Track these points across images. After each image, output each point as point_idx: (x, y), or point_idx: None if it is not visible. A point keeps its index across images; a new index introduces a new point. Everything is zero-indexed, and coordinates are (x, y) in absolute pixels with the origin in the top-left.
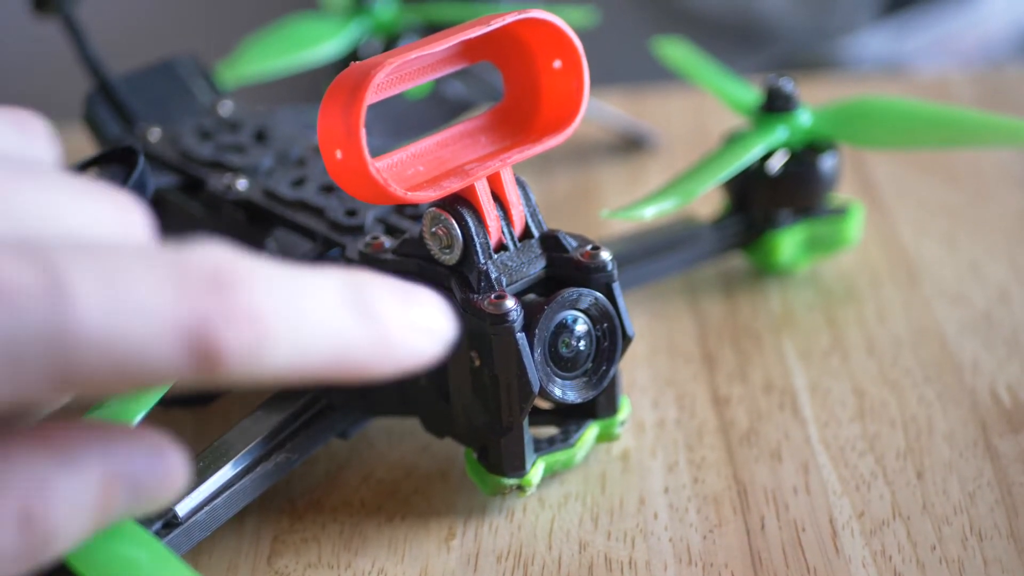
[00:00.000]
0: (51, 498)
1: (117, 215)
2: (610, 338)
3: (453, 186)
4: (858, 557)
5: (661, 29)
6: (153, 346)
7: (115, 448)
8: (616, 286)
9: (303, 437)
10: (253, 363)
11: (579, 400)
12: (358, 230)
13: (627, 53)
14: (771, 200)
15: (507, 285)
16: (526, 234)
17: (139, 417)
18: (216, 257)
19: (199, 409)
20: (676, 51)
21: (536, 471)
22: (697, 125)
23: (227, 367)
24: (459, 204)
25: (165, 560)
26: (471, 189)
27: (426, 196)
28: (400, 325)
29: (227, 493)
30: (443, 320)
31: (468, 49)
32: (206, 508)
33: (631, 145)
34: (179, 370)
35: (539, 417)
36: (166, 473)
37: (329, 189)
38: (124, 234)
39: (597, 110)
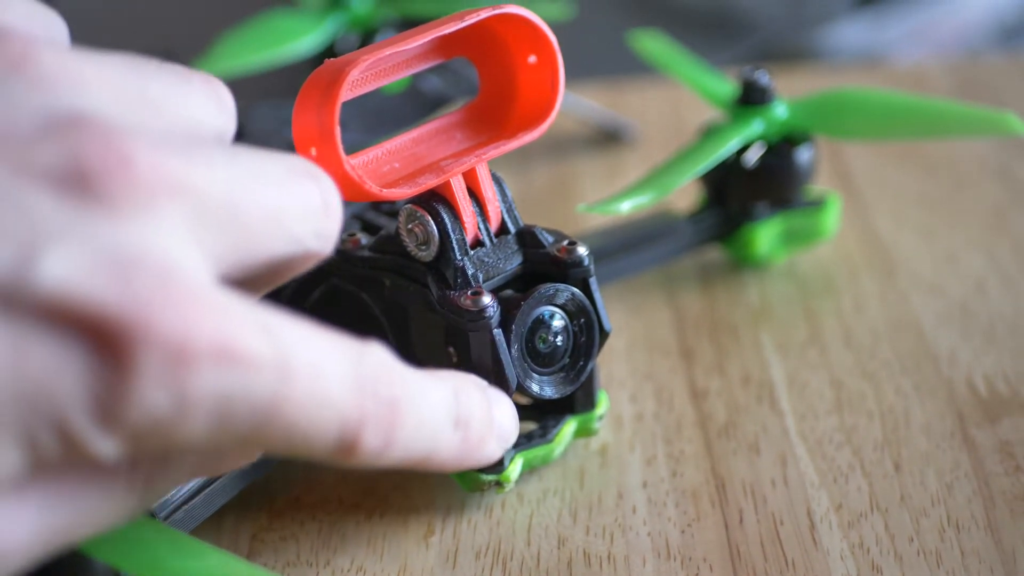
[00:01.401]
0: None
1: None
2: (587, 333)
3: (429, 183)
4: (836, 549)
5: (638, 22)
6: (323, 434)
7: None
8: (593, 281)
9: None
10: (370, 461)
11: (557, 396)
12: None
13: (604, 46)
14: (748, 193)
15: (484, 281)
16: (502, 230)
17: None
18: (387, 365)
19: None
20: (652, 44)
21: (514, 467)
22: (674, 118)
23: (351, 460)
24: (435, 200)
25: (176, 536)
26: (447, 185)
27: (402, 193)
28: (483, 436)
29: (205, 492)
30: (514, 429)
31: (443, 45)
32: (184, 507)
33: (608, 138)
34: (321, 452)
35: (517, 413)
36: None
37: None
38: None
39: (574, 103)
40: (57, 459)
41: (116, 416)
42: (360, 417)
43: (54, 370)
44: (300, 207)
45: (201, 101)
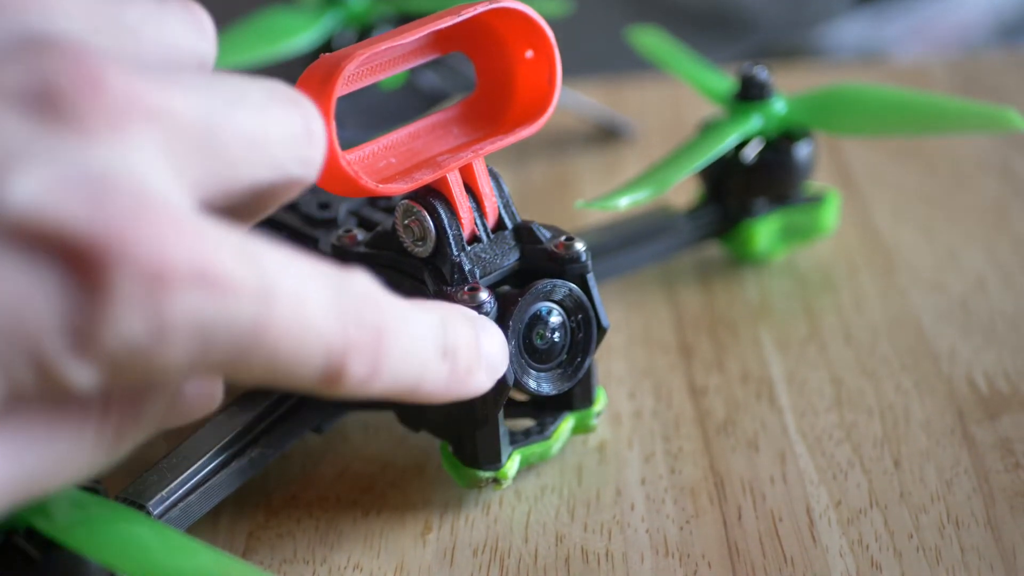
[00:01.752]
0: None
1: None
2: (585, 329)
3: (425, 178)
4: (835, 546)
5: (637, 18)
6: (306, 361)
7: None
8: (590, 277)
9: (278, 432)
10: (356, 390)
11: (554, 392)
12: (331, 223)
13: (602, 42)
14: (746, 189)
15: (481, 277)
16: (499, 225)
17: None
18: (370, 292)
19: None
20: (651, 40)
21: (512, 464)
22: (673, 114)
23: (338, 390)
24: (431, 196)
25: (168, 534)
26: (443, 181)
27: (398, 188)
28: (471, 366)
29: (201, 489)
30: (503, 360)
31: (439, 40)
32: (180, 504)
33: (607, 135)
34: (306, 381)
35: (514, 409)
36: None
37: None
38: None
39: (573, 100)
40: (31, 391)
41: (92, 342)
42: (345, 344)
43: (27, 295)
44: (281, 133)
45: (180, 27)
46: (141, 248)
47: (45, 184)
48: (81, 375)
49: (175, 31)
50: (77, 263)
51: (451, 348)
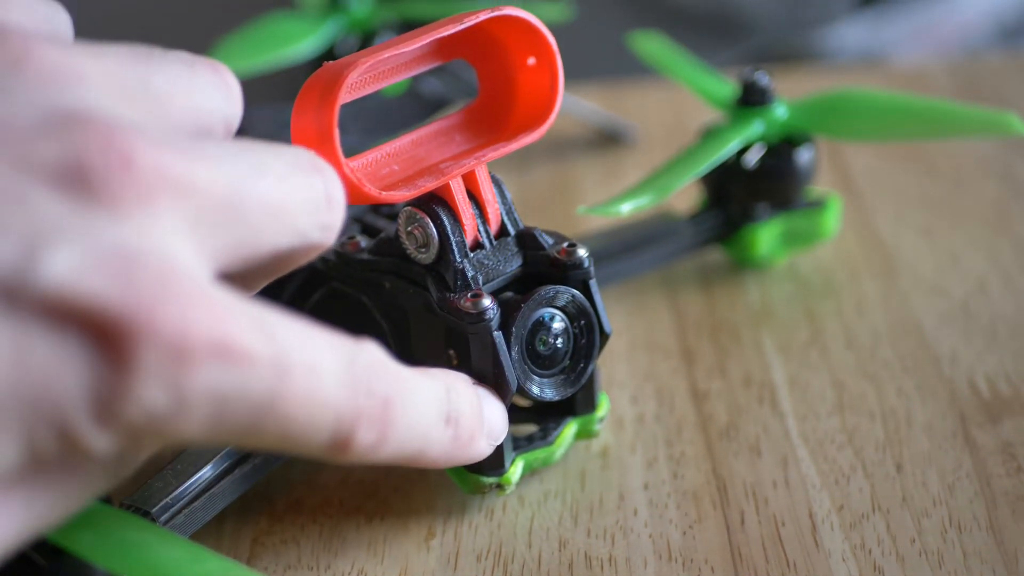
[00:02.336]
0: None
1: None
2: (587, 335)
3: (428, 185)
4: (838, 551)
5: (638, 23)
6: (317, 430)
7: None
8: (593, 283)
9: None
10: (363, 457)
11: (557, 398)
12: None
13: (604, 48)
14: (748, 194)
15: (484, 283)
16: (502, 232)
17: None
18: (380, 362)
19: None
20: (652, 45)
21: (515, 469)
22: (675, 120)
23: (346, 457)
24: (434, 203)
25: (173, 540)
26: (446, 188)
27: (401, 195)
28: (473, 433)
29: (205, 495)
30: (503, 427)
31: (442, 47)
32: (184, 511)
33: (608, 140)
34: (316, 448)
35: (518, 415)
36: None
37: None
38: None
39: (574, 105)
40: (52, 456)
41: (115, 414)
42: (354, 414)
43: (55, 368)
44: (303, 201)
45: (207, 90)
46: (167, 323)
47: (78, 261)
48: (101, 442)
49: (203, 95)
50: (104, 337)
51: (455, 416)
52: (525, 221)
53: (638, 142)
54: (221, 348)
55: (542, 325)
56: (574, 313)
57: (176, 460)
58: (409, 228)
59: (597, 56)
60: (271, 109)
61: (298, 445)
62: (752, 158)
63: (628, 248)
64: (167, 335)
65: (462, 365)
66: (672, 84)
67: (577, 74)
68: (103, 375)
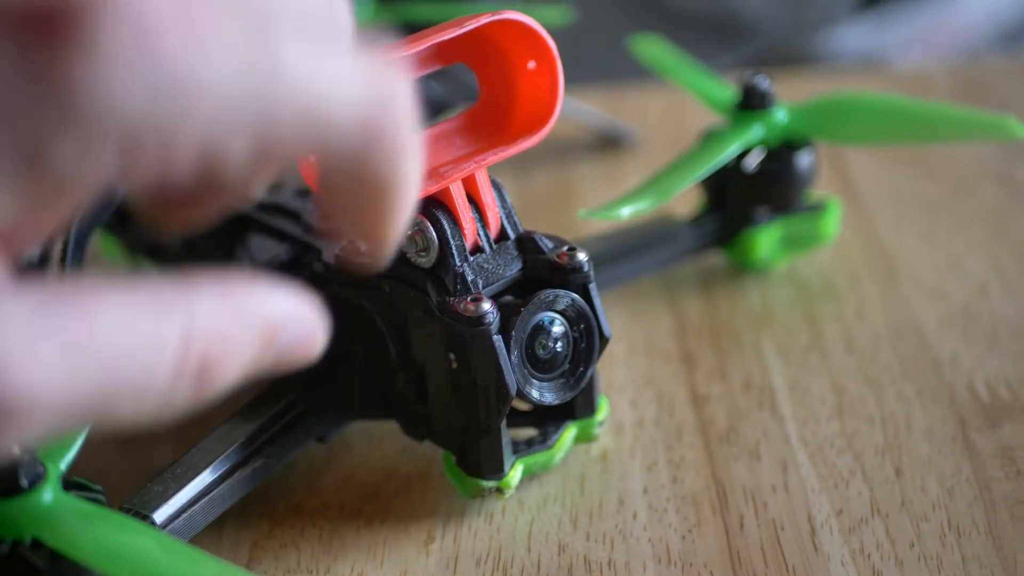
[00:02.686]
0: (228, 351)
1: None
2: (587, 339)
3: (428, 189)
4: (837, 555)
5: (639, 26)
6: (342, 117)
7: (273, 301)
8: (593, 287)
9: (281, 442)
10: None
11: (557, 401)
12: None
13: (605, 51)
14: (748, 198)
15: (483, 287)
16: (502, 236)
17: None
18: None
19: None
20: (652, 49)
21: (515, 473)
22: (675, 123)
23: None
24: (434, 207)
25: (172, 544)
26: (446, 192)
27: None
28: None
29: (205, 499)
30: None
31: (442, 51)
32: (184, 515)
33: (609, 144)
34: (351, 144)
35: (517, 419)
36: (310, 334)
37: (306, 192)
38: None
39: (575, 109)
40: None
41: (87, 116)
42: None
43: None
44: None
45: None
46: None
47: None
48: (93, 159)
49: None
50: (39, 26)
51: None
52: (525, 224)
53: (638, 146)
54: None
55: (542, 329)
56: (574, 317)
57: (176, 464)
58: (409, 232)
59: (598, 59)
60: None
61: (327, 142)
62: (752, 162)
63: (628, 252)
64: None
65: (462, 369)
66: (672, 88)
67: (578, 78)
68: (62, 70)
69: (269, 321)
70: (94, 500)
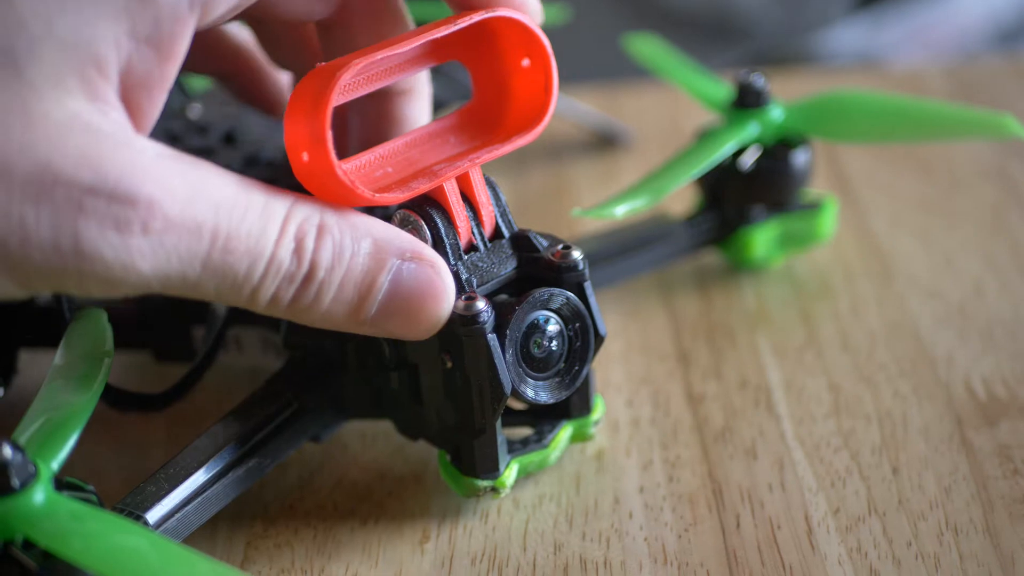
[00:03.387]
0: (332, 239)
1: None
2: (582, 338)
3: (422, 187)
4: (834, 554)
5: (635, 25)
6: None
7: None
8: (588, 285)
9: (275, 442)
10: None
11: (552, 401)
12: None
13: (600, 50)
14: (744, 196)
15: (478, 286)
16: (496, 234)
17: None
18: None
19: (152, 413)
20: (647, 48)
21: (510, 472)
22: (671, 122)
23: None
24: (428, 205)
25: (164, 545)
26: (440, 190)
27: (394, 198)
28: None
29: (199, 499)
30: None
31: (436, 48)
32: (177, 515)
33: (605, 142)
34: None
35: (512, 418)
36: (431, 281)
37: (299, 192)
38: None
39: (570, 107)
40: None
41: None
42: None
43: None
44: None
45: None
46: None
47: None
48: None
49: None
50: None
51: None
52: (521, 223)
53: (634, 144)
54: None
55: (537, 328)
56: (569, 316)
57: (169, 464)
58: (403, 230)
59: (593, 58)
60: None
61: None
62: (748, 160)
63: (624, 250)
64: None
65: (456, 368)
66: (668, 86)
67: (573, 76)
68: None
69: (379, 240)
70: (86, 500)
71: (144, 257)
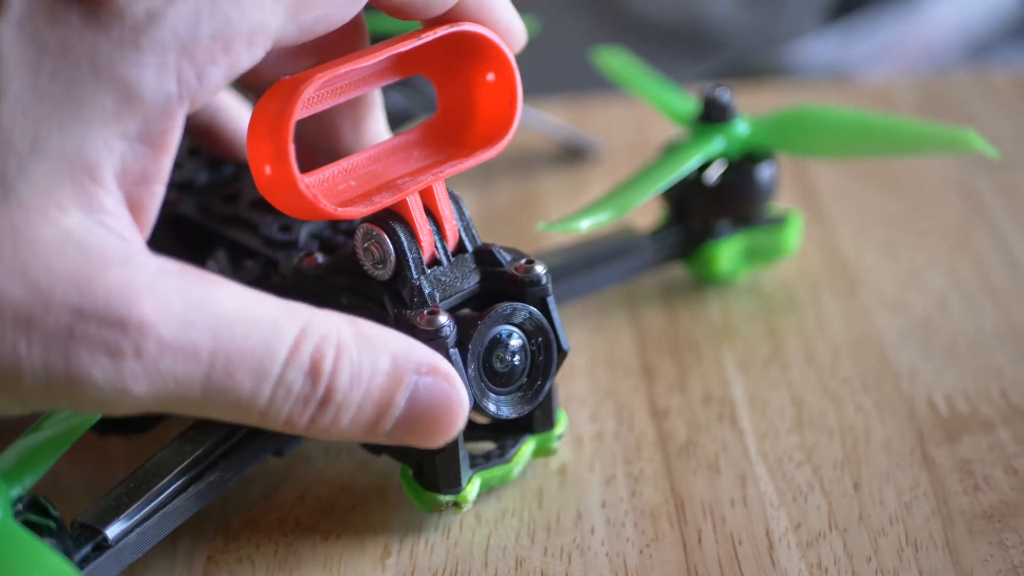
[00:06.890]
0: (347, 360)
1: None
2: (545, 352)
3: (385, 201)
4: (795, 570)
5: (605, 37)
6: None
7: (402, 341)
8: (551, 300)
9: (237, 455)
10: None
11: (514, 415)
12: (292, 245)
13: (570, 62)
14: (709, 210)
15: (441, 300)
16: (460, 248)
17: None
18: None
19: (135, 436)
20: (614, 61)
21: (472, 487)
22: (639, 135)
23: None
24: (391, 219)
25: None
26: (403, 204)
27: (357, 212)
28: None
29: (159, 514)
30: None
31: (400, 62)
32: (137, 530)
33: (573, 155)
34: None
35: (475, 432)
36: (448, 394)
37: (263, 204)
38: None
39: (538, 120)
40: None
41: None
42: None
43: None
44: None
45: None
46: None
47: None
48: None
49: None
50: None
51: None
52: (489, 236)
53: (602, 157)
54: None
55: (499, 342)
56: (531, 330)
57: (129, 478)
58: (366, 244)
59: (562, 70)
60: None
61: None
62: (713, 174)
63: (589, 264)
64: None
65: None
66: (636, 99)
67: (542, 88)
68: None
69: (396, 357)
70: (44, 526)
71: (138, 381)
